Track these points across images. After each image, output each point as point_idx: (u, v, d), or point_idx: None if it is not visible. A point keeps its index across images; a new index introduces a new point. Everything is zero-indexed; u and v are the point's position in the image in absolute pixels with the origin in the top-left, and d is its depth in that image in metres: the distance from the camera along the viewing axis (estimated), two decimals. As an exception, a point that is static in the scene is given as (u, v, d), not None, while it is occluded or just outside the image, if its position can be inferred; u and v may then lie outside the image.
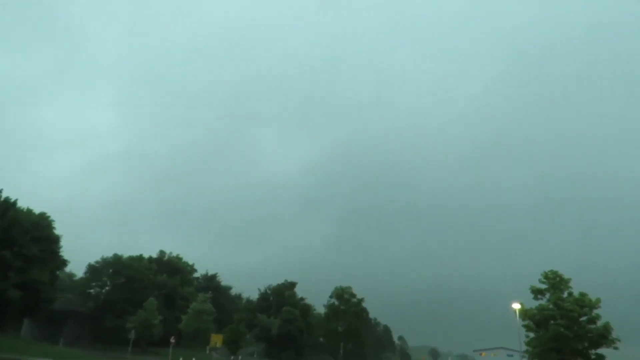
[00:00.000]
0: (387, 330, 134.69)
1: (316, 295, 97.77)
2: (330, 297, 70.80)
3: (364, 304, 69.04)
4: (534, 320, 32.97)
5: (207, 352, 69.16)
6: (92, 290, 73.02)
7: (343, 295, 69.30)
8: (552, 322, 32.60)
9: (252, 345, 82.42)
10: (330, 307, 70.48)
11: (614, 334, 30.80)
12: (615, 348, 30.90)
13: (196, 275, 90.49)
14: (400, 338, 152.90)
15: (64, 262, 59.20)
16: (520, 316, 36.86)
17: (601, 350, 31.46)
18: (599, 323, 31.53)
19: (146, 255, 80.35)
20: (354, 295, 69.52)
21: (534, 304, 34.21)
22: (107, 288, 73.49)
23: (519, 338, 32.63)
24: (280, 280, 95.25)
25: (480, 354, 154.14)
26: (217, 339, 66.27)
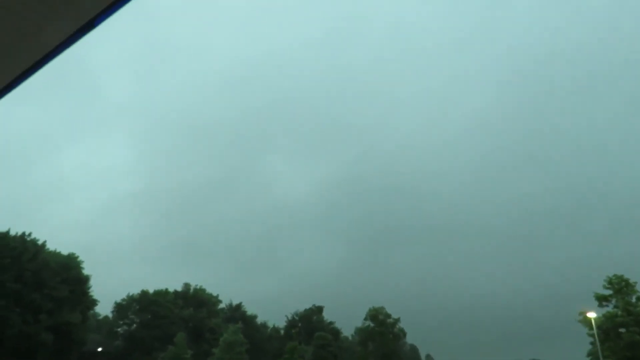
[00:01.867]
0: (414, 350, 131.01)
1: (339, 318, 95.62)
2: (365, 319, 68.78)
3: (400, 324, 67.13)
4: (602, 328, 31.25)
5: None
6: (119, 329, 71.58)
7: (378, 317, 67.31)
8: (622, 329, 30.90)
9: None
10: (366, 330, 68.42)
11: (694, 338, 29.16)
12: (698, 353, 29.24)
13: (221, 306, 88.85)
14: (428, 357, 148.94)
15: (94, 302, 58.11)
16: (583, 324, 35.32)
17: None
18: (675, 327, 29.91)
19: (171, 289, 79.11)
20: (389, 316, 67.52)
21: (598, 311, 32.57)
22: (134, 325, 72.00)
23: (598, 348, 30.82)
24: (302, 305, 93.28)
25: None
26: (252, 371, 64.21)
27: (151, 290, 75.46)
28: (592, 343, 40.98)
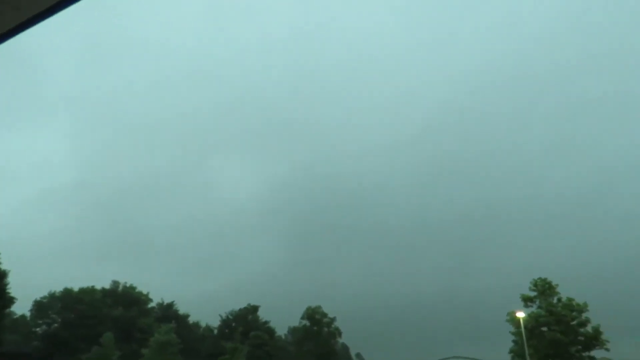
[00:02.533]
0: (344, 348, 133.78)
1: (274, 318, 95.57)
2: (302, 318, 69.26)
3: (336, 324, 68.32)
4: (527, 327, 33.99)
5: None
6: (38, 329, 66.55)
7: (314, 316, 68.03)
8: (545, 328, 33.79)
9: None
10: (302, 329, 68.94)
11: (604, 336, 32.49)
12: (607, 349, 32.61)
13: (151, 305, 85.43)
14: (358, 355, 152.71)
15: (11, 300, 53.43)
16: (511, 323, 38.39)
17: (594, 352, 33.12)
18: (589, 326, 33.13)
19: (98, 287, 74.86)
20: (325, 315, 68.50)
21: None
22: (55, 325, 67.30)
23: (524, 345, 33.36)
24: (238, 305, 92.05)
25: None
26: (185, 372, 62.59)
27: (77, 288, 71.07)
28: (514, 341, 44.47)
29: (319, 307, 69.52)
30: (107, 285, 79.71)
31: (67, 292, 68.88)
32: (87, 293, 70.70)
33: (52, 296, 68.54)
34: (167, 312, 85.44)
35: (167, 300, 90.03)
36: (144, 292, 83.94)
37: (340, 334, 68.12)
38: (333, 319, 68.54)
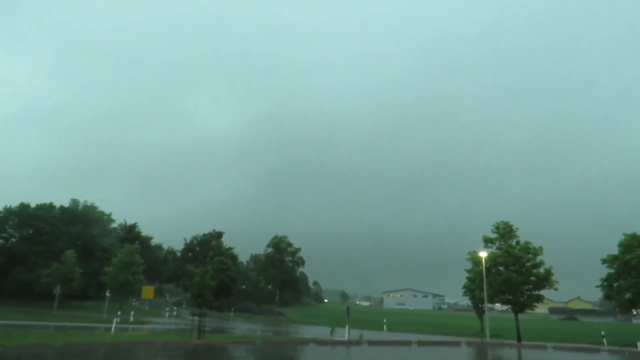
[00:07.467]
0: (303, 277, 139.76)
1: (238, 245, 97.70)
2: (267, 246, 70.56)
3: (300, 254, 70.08)
4: (485, 266, 35.89)
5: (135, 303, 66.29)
6: (-5, 243, 65.00)
7: (280, 245, 69.39)
8: (501, 268, 35.87)
9: (179, 295, 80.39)
10: (268, 256, 70.48)
11: (554, 277, 34.93)
12: (555, 289, 35.24)
13: (114, 225, 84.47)
14: (315, 283, 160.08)
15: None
16: (471, 261, 40.63)
17: (542, 292, 35.72)
18: (542, 268, 35.40)
19: (57, 205, 72.82)
20: (290, 245, 69.98)
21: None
22: (13, 240, 65.81)
23: (484, 280, 35.35)
24: (202, 232, 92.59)
25: (389, 295, 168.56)
26: (148, 291, 63.59)
27: (34, 205, 68.96)
28: (468, 278, 47.45)
29: (285, 237, 70.86)
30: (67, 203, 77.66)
31: (23, 208, 66.77)
32: (44, 209, 68.78)
33: (8, 211, 66.30)
34: (130, 234, 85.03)
35: (129, 222, 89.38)
36: (106, 212, 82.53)
37: (303, 263, 70.19)
38: (298, 249, 70.29)
